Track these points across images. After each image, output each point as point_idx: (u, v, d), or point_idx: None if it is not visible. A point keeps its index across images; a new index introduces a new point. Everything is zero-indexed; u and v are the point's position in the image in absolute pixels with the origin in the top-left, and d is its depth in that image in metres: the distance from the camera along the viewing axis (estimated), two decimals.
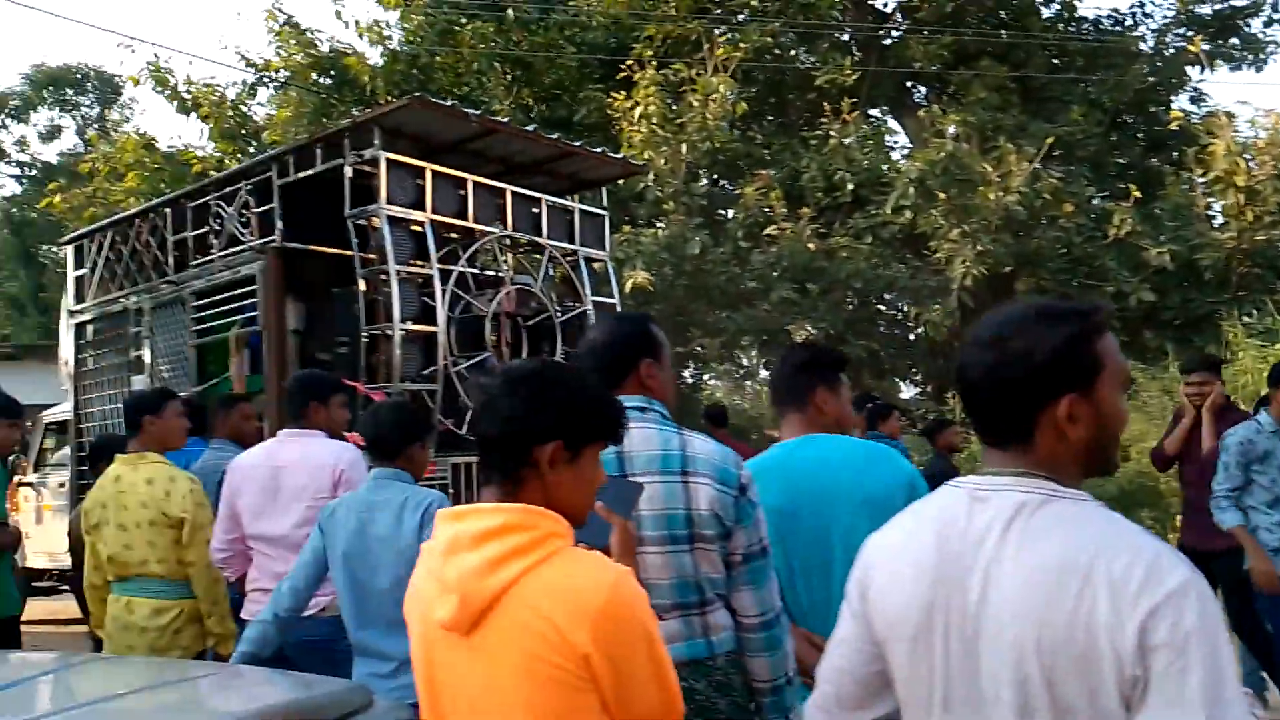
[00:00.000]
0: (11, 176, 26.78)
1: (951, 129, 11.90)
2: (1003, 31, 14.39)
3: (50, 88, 25.58)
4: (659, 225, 12.26)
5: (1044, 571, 1.29)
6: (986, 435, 1.46)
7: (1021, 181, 11.49)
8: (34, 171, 26.20)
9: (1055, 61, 14.47)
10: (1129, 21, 15.43)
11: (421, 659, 1.57)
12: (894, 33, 15.18)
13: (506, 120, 12.19)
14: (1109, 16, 15.63)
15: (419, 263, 5.79)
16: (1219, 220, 12.02)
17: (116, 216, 7.93)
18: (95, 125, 25.09)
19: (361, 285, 5.76)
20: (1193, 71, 14.69)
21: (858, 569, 1.55)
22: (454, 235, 6.35)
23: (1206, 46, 13.88)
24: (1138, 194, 11.77)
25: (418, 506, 2.97)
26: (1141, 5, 15.48)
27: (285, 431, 3.98)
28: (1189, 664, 1.19)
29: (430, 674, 1.56)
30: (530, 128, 7.53)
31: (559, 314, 6.69)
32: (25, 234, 24.49)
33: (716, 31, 13.21)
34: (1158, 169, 13.44)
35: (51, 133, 26.54)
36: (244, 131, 14.36)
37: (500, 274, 6.88)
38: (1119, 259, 11.75)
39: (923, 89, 15.60)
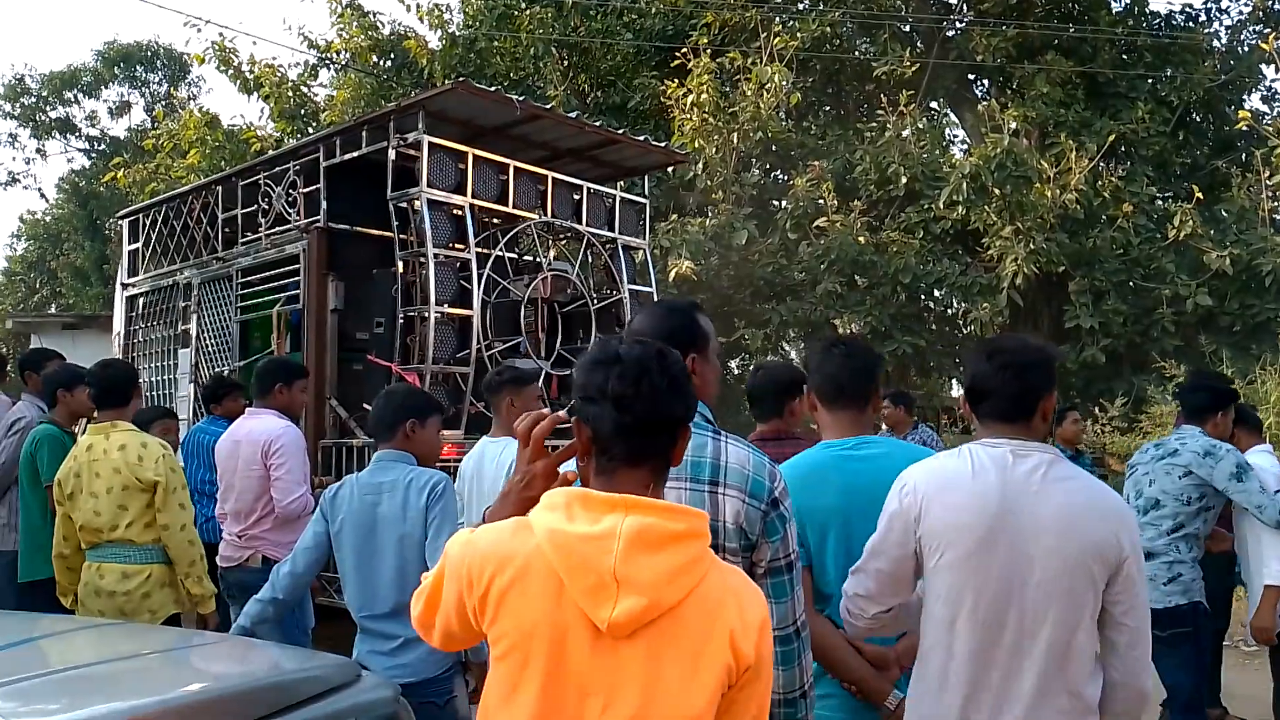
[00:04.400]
0: (81, 150, 27.53)
1: (1011, 124, 11.66)
2: (1069, 25, 14.05)
3: (121, 64, 26.19)
4: (707, 214, 12.21)
5: (1078, 506, 2.04)
6: (1002, 418, 2.16)
7: (1080, 179, 11.25)
8: (103, 146, 26.90)
9: (1123, 57, 14.09)
10: (1201, 17, 14.97)
11: (545, 656, 1.43)
12: (957, 24, 14.91)
13: (559, 106, 12.32)
14: (1181, 12, 15.12)
15: (458, 246, 5.85)
16: None
17: (171, 193, 8.13)
18: (162, 102, 25.67)
19: (400, 267, 5.85)
20: (1266, 70, 14.23)
21: (904, 493, 2.16)
22: (494, 220, 6.41)
23: None
24: (1201, 195, 11.44)
25: (424, 488, 3.00)
26: (1216, 1, 14.99)
27: (250, 409, 4.54)
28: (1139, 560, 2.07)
29: (558, 674, 1.43)
30: (578, 114, 7.54)
31: (595, 301, 6.72)
32: (92, 206, 25.17)
33: (774, 20, 13.09)
34: (1224, 170, 13.02)
35: (120, 108, 27.21)
36: (303, 112, 14.60)
37: (538, 259, 6.93)
38: (1178, 262, 11.45)
39: (984, 82, 15.31)
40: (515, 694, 1.44)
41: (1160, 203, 12.62)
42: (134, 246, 7.92)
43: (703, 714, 1.41)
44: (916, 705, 2.17)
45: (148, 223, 7.76)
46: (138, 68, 26.46)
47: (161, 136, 14.92)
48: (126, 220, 8.21)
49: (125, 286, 7.97)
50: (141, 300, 7.78)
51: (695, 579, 1.43)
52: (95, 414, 4.07)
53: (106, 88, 26.67)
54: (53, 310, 25.37)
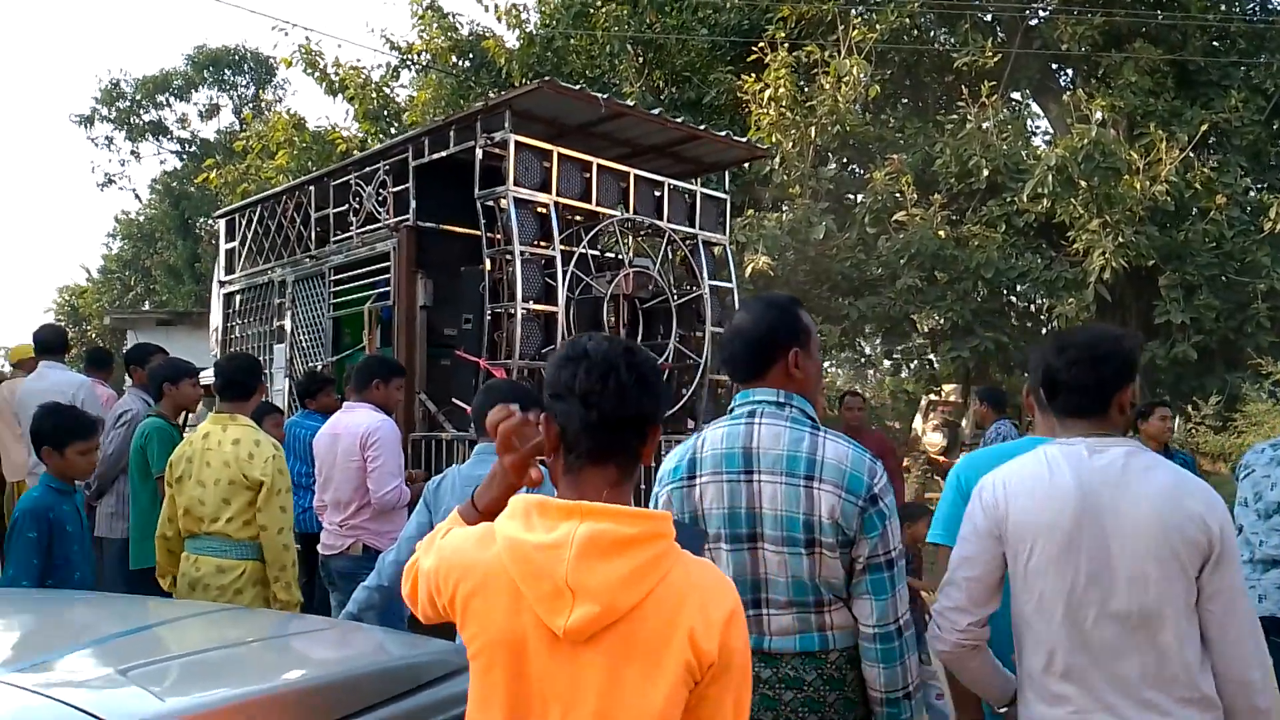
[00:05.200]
0: (173, 152, 28.59)
1: (1098, 114, 11.38)
2: (1158, 12, 13.64)
3: (210, 68, 27.13)
4: (784, 209, 12.16)
5: (1159, 493, 2.01)
6: (1076, 412, 2.14)
7: (1171, 170, 10.95)
8: (193, 148, 27.87)
9: (1214, 44, 13.63)
10: None
11: (506, 664, 1.45)
12: (1040, 13, 14.58)
13: (635, 103, 12.39)
14: None
15: (542, 243, 5.95)
16: None
17: (265, 193, 8.39)
18: (250, 104, 26.50)
19: (487, 264, 5.97)
20: None
21: (985, 499, 2.14)
22: (577, 217, 6.50)
23: None
24: None
25: None
26: None
27: (347, 403, 4.70)
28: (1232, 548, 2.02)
29: (520, 681, 1.44)
30: (658, 110, 7.59)
31: (675, 297, 6.77)
32: (183, 206, 26.12)
33: (852, 12, 12.97)
34: None
35: (210, 111, 28.16)
36: (386, 113, 14.93)
37: (620, 255, 7.00)
38: (1274, 255, 11.07)
39: (1069, 72, 14.96)
40: (486, 704, 1.47)
41: (1255, 194, 12.20)
42: (230, 245, 8.20)
43: (663, 713, 1.40)
44: (1026, 709, 2.14)
45: (243, 222, 8.03)
46: (226, 71, 27.36)
47: (250, 138, 15.40)
48: (223, 220, 8.51)
49: (222, 284, 8.26)
50: (238, 297, 8.06)
51: (654, 580, 1.42)
52: (217, 404, 4.19)
53: (196, 91, 27.64)
54: (147, 307, 26.39)
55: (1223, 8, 13.79)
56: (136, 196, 31.90)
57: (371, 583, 3.25)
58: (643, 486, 4.70)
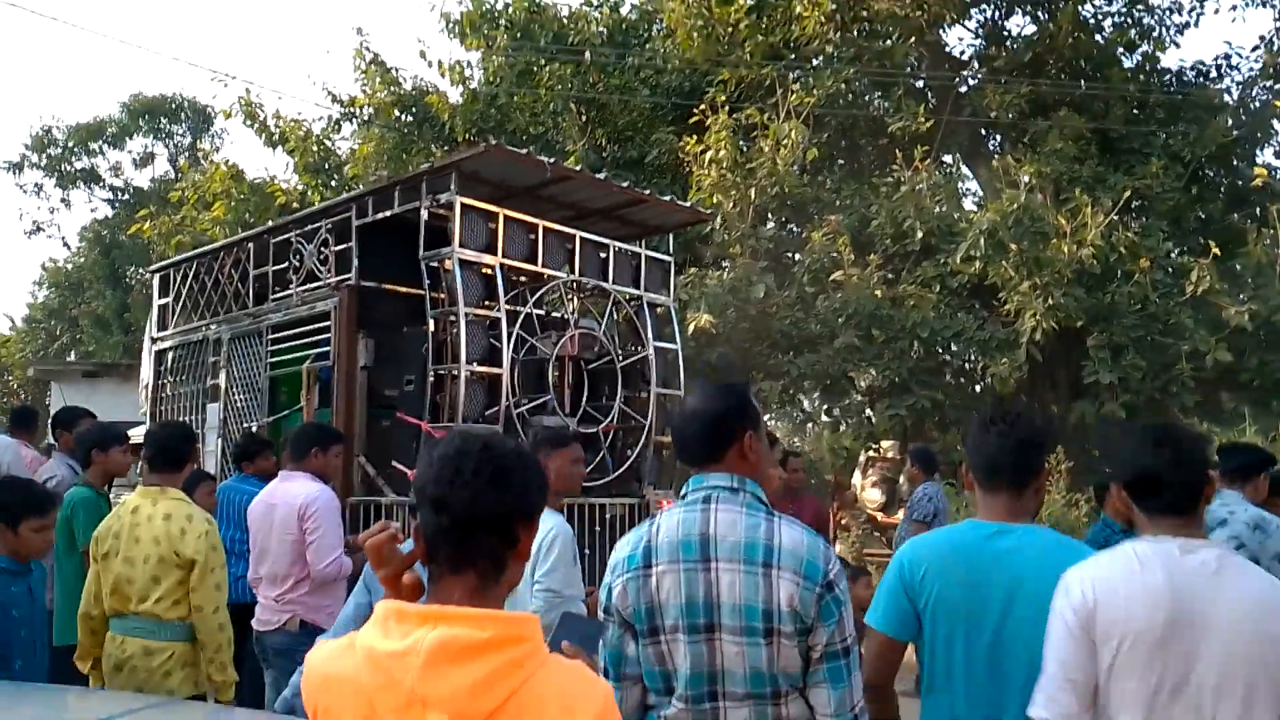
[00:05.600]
0: (105, 200, 28.01)
1: (1026, 179, 11.76)
2: (1082, 82, 14.23)
3: (146, 116, 26.74)
4: (724, 267, 12.31)
5: (1253, 601, 1.99)
6: (1174, 511, 2.13)
7: (1096, 234, 11.31)
8: (126, 196, 27.34)
9: (1135, 113, 14.23)
10: (1213, 74, 15.13)
11: None
12: (970, 81, 15.12)
13: (578, 161, 12.50)
14: (1193, 68, 15.27)
15: (488, 305, 5.93)
16: None
17: (202, 249, 8.25)
18: (187, 154, 26.13)
19: (431, 325, 5.92)
20: (1278, 126, 14.34)
21: (1074, 597, 2.08)
22: (522, 279, 6.50)
23: None
24: (1217, 250, 11.47)
25: None
26: (1227, 58, 15.15)
27: (284, 472, 4.56)
28: None
29: None
30: (601, 170, 7.66)
31: (620, 358, 6.77)
32: (114, 255, 25.55)
33: (790, 77, 13.30)
34: (1239, 225, 13.10)
35: (145, 159, 27.71)
36: (327, 165, 14.84)
37: (565, 316, 7.01)
38: (1196, 317, 11.45)
39: (998, 137, 15.47)
40: None
41: (1177, 257, 12.66)
42: (164, 301, 8.02)
43: None
44: None
45: (178, 277, 7.87)
46: (162, 120, 27.00)
47: (187, 189, 15.17)
48: (157, 275, 8.33)
49: (154, 340, 8.06)
50: (170, 354, 7.87)
51: (511, 686, 1.34)
52: (146, 474, 4.02)
53: (131, 139, 27.21)
54: (72, 358, 25.60)
55: (1142, 78, 14.42)
56: (65, 244, 31.13)
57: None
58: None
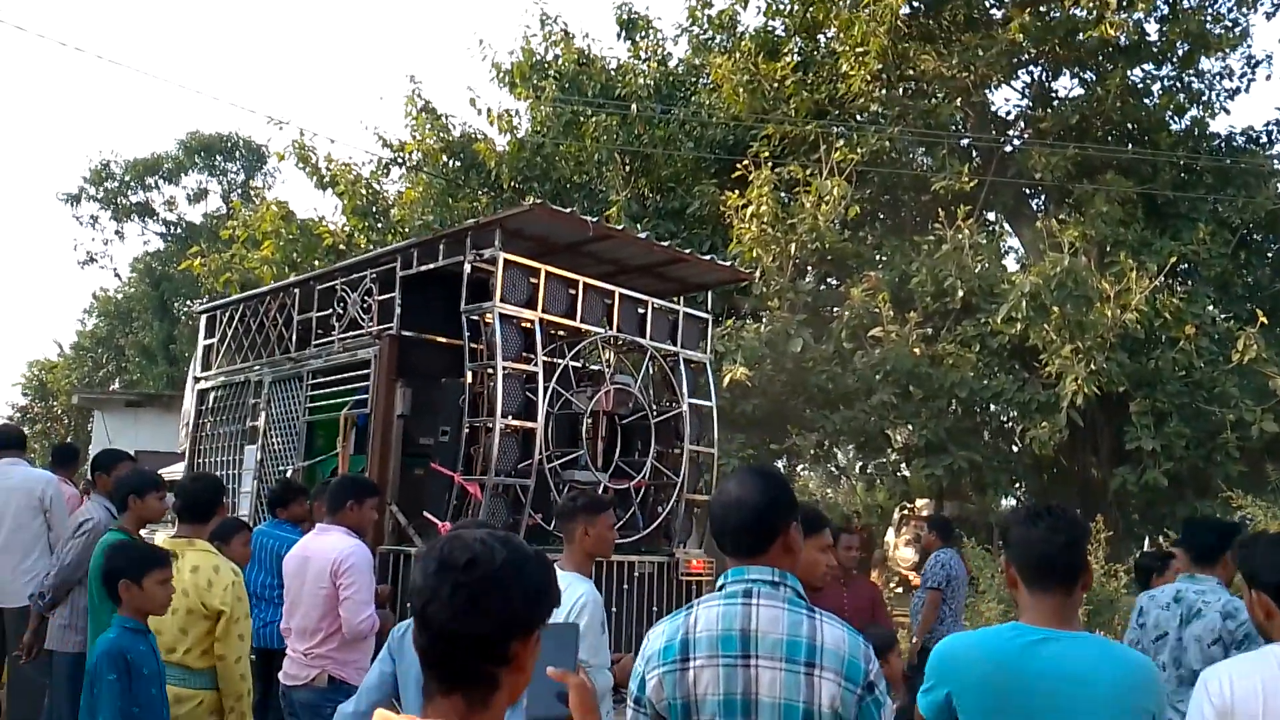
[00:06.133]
0: (157, 233, 28.74)
1: (1070, 241, 11.68)
2: (1129, 145, 14.16)
3: (201, 154, 27.50)
4: (762, 319, 12.31)
5: None
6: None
7: (1141, 299, 11.18)
8: (178, 230, 28.01)
9: (1183, 177, 14.12)
10: (1263, 140, 14.99)
11: None
12: (1015, 141, 15.10)
13: (620, 210, 12.62)
14: (1243, 134, 15.15)
15: (526, 357, 5.97)
16: None
17: (248, 293, 8.41)
18: (239, 191, 26.76)
19: (469, 377, 5.97)
20: None
21: (1212, 692, 2.19)
22: (560, 333, 6.54)
23: None
24: (1264, 319, 11.31)
25: None
26: (1278, 124, 15.04)
27: (320, 525, 4.54)
28: None
29: None
30: (644, 223, 7.72)
31: (655, 414, 6.77)
32: (163, 288, 26.12)
33: (834, 133, 13.37)
34: None
35: (198, 195, 28.45)
36: (374, 209, 15.10)
37: (601, 370, 7.04)
38: (1242, 385, 11.25)
39: (1043, 197, 15.40)
40: None
41: (1223, 324, 12.46)
42: (209, 341, 8.17)
43: None
44: None
45: (224, 319, 8.02)
46: (217, 157, 27.73)
47: (237, 226, 15.50)
48: (204, 315, 8.50)
49: (198, 380, 8.20)
50: (212, 394, 8.00)
51: None
52: (176, 524, 4.09)
53: (186, 175, 27.97)
54: (116, 386, 26.09)
55: (1190, 144, 14.31)
56: (116, 275, 31.89)
57: None
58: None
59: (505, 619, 1.34)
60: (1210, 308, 12.45)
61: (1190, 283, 12.96)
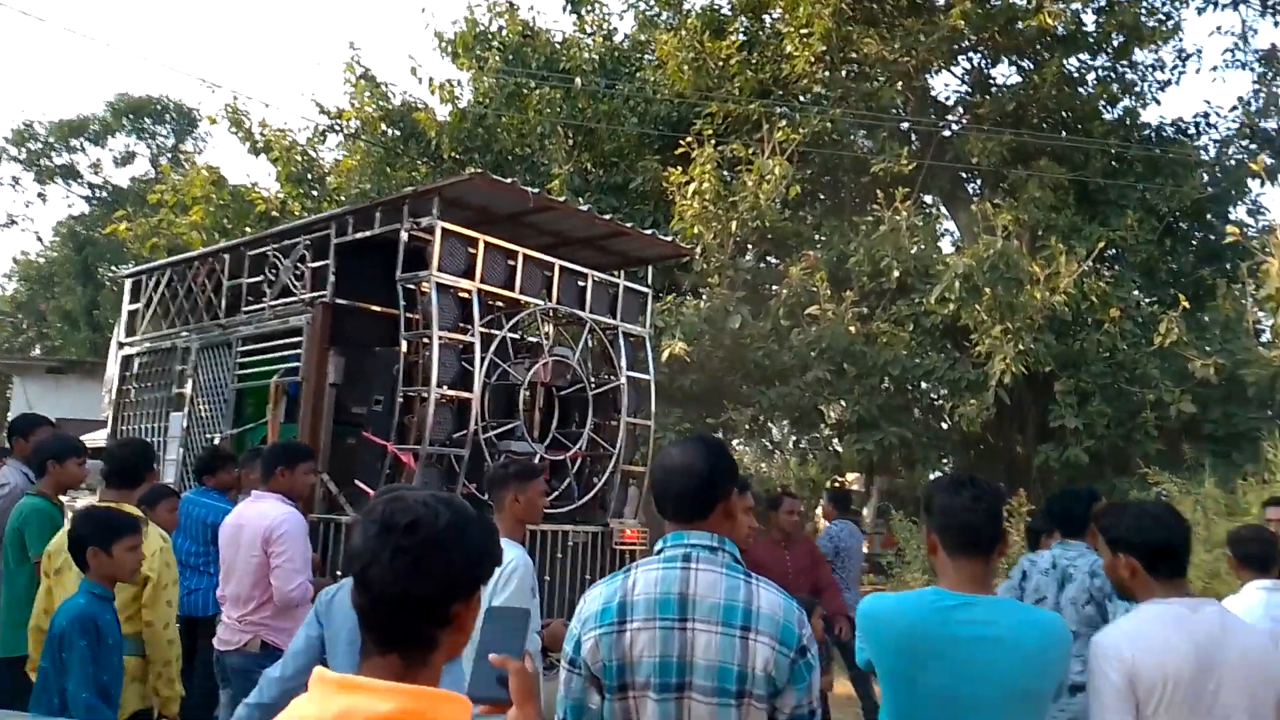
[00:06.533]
0: (82, 197, 27.79)
1: (1003, 225, 11.92)
2: (1063, 133, 14.47)
3: (130, 116, 26.59)
4: (702, 296, 12.37)
5: (1255, 648, 2.41)
6: (1179, 574, 2.50)
7: (1069, 283, 11.47)
8: (104, 194, 27.13)
9: (1114, 165, 14.48)
10: (1191, 131, 15.43)
11: None
12: (954, 126, 15.32)
13: (563, 184, 12.54)
14: (1172, 125, 15.58)
15: (462, 327, 5.91)
16: (1267, 336, 11.87)
17: (176, 257, 8.20)
18: (169, 155, 25.97)
19: (403, 346, 5.90)
20: (1253, 184, 14.63)
21: (1116, 661, 2.37)
22: (498, 303, 6.49)
23: (1269, 160, 13.84)
24: (1187, 304, 11.68)
25: None
26: (1205, 116, 15.47)
27: (255, 492, 4.47)
28: None
29: None
30: (586, 197, 7.68)
31: (593, 386, 6.77)
32: (87, 252, 25.31)
33: (776, 113, 13.43)
34: (1209, 280, 13.31)
35: (126, 158, 27.56)
36: (310, 176, 14.79)
37: (539, 342, 7.01)
38: (1163, 367, 11.62)
39: (978, 182, 15.67)
40: None
41: (1147, 308, 12.85)
42: (134, 306, 7.95)
43: None
44: None
45: (150, 284, 7.81)
46: (146, 120, 26.86)
47: (166, 191, 15.05)
48: (129, 280, 8.25)
49: (122, 346, 7.98)
50: (137, 360, 7.79)
51: None
52: (102, 489, 3.98)
53: (113, 137, 27.07)
54: (37, 352, 25.28)
55: (1121, 133, 14.67)
56: (38, 238, 30.92)
57: (253, 699, 3.07)
58: None
59: (447, 581, 1.34)
60: (1135, 292, 12.82)
61: (1117, 267, 13.31)
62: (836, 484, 14.04)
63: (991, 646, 2.24)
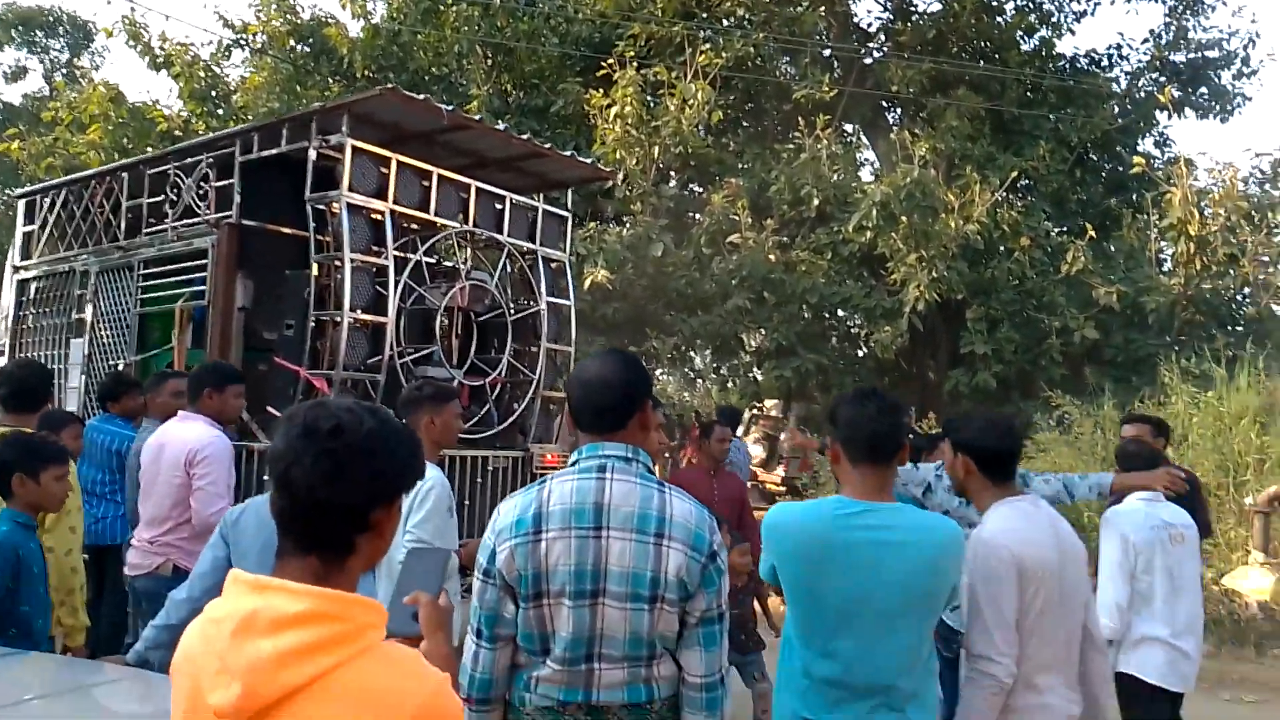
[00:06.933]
0: None
1: (921, 154, 12.06)
2: (980, 62, 14.60)
3: (19, 28, 24.98)
4: (625, 223, 12.30)
5: (1070, 532, 2.77)
6: (1005, 477, 2.77)
7: (983, 211, 11.71)
8: None
9: (1029, 95, 14.71)
10: (1104, 63, 15.72)
11: None
12: (875, 53, 15.34)
13: (481, 106, 12.24)
14: (1086, 56, 15.85)
15: (375, 250, 5.78)
16: (1168, 265, 12.33)
17: (72, 176, 7.82)
18: (63, 70, 24.57)
19: (314, 269, 5.75)
20: (1160, 117, 15.02)
21: (1007, 556, 2.55)
22: (413, 226, 6.35)
23: (1177, 93, 14.19)
24: (1094, 233, 12.03)
25: None
26: (1118, 48, 15.78)
27: (182, 413, 4.32)
28: None
29: None
30: (505, 126, 7.52)
31: (512, 312, 6.72)
32: None
33: (700, 36, 13.26)
34: (1116, 210, 13.72)
35: (17, 73, 25.95)
36: (214, 93, 14.17)
37: (456, 266, 6.90)
38: (1069, 295, 12.00)
39: (897, 111, 15.78)
40: None
41: (1056, 237, 13.20)
42: (29, 228, 7.59)
43: None
44: (1015, 698, 2.59)
45: (45, 204, 7.45)
46: (38, 32, 25.29)
47: (61, 108, 14.29)
48: (22, 200, 7.86)
49: (17, 269, 7.63)
50: (34, 285, 7.46)
51: (320, 666, 1.24)
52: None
53: (2, 51, 25.42)
54: None
55: (1037, 63, 14.88)
56: None
57: (160, 621, 3.03)
58: None
59: (370, 487, 1.34)
60: (1045, 221, 13.14)
61: (1029, 197, 13.61)
62: (762, 412, 14.32)
63: (891, 550, 2.33)
